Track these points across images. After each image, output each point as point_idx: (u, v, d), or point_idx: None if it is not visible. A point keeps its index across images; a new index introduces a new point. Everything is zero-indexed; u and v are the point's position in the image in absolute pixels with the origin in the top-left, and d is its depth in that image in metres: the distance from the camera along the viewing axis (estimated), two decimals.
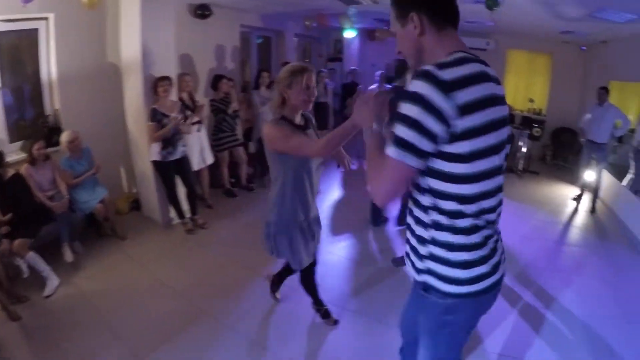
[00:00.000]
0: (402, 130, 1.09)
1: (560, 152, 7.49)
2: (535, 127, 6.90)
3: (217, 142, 5.23)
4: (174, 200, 4.42)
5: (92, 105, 4.40)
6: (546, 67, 8.15)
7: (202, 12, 5.37)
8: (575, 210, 5.40)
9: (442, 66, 1.07)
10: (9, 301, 2.96)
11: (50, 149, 3.75)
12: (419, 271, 1.31)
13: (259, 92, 5.57)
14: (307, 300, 2.83)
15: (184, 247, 4.12)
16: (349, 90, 7.40)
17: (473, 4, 5.29)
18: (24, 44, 3.88)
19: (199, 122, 4.72)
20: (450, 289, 1.23)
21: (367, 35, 8.87)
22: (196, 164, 4.76)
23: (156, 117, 3.99)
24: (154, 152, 4.13)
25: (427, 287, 1.30)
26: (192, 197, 4.49)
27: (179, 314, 2.97)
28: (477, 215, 1.18)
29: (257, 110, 5.55)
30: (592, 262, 4.00)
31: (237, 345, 2.66)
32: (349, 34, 7.81)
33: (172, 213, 4.55)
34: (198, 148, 4.79)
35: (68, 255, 3.60)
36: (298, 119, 2.14)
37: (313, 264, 2.53)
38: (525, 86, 8.39)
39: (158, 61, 4.19)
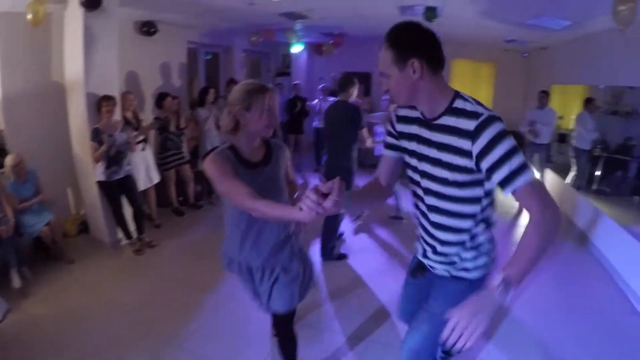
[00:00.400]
0: (519, 157, 1.24)
1: None
2: None
3: (162, 161, 5.23)
4: (120, 221, 4.38)
5: (37, 126, 4.30)
6: (490, 75, 8.85)
7: (147, 29, 5.40)
8: (520, 210, 5.77)
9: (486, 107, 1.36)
10: None
11: None
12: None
13: (204, 109, 5.62)
14: (261, 317, 2.69)
15: (133, 267, 4.10)
16: (291, 104, 7.63)
17: (413, 17, 5.74)
18: None
19: (143, 140, 4.73)
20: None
21: (314, 49, 9.14)
22: (142, 183, 4.75)
23: (98, 136, 3.97)
24: (99, 172, 4.11)
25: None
26: (138, 216, 4.45)
27: (127, 336, 2.96)
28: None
29: (203, 128, 5.59)
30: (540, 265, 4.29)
31: None
32: (296, 48, 8.04)
33: (120, 234, 4.51)
34: (144, 167, 4.79)
35: (16, 282, 3.46)
36: (253, 149, 1.82)
37: (284, 316, 2.05)
38: (470, 93, 8.92)
39: (101, 80, 4.15)
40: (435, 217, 1.50)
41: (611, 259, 4.04)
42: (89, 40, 4.01)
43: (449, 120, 1.35)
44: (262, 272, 1.95)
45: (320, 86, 7.53)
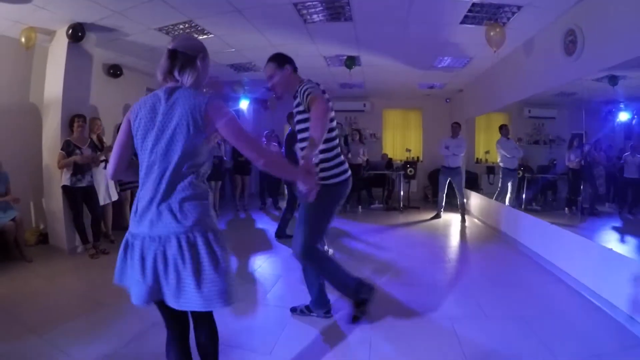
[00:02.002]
0: None
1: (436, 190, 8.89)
2: (408, 167, 8.38)
3: (120, 182, 5.61)
4: (79, 226, 4.66)
5: (11, 141, 4.75)
6: (418, 121, 10.16)
7: (114, 71, 6.14)
8: (455, 228, 6.53)
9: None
10: None
11: None
12: None
13: None
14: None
15: (86, 266, 4.29)
16: (236, 151, 8.22)
17: (337, 67, 6.91)
18: None
19: (105, 161, 5.18)
20: None
21: (260, 104, 10.00)
22: (102, 199, 5.08)
23: (69, 147, 4.45)
24: (65, 177, 4.50)
25: None
26: (96, 224, 4.76)
27: (73, 310, 3.09)
28: None
29: None
30: (476, 261, 4.71)
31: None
32: (243, 103, 8.90)
33: (77, 241, 4.76)
34: (104, 184, 5.16)
35: None
36: None
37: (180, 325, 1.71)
38: (402, 139, 10.24)
39: (75, 102, 4.79)
40: None
41: (534, 247, 4.67)
42: (69, 67, 4.71)
43: None
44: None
45: (265, 132, 8.31)
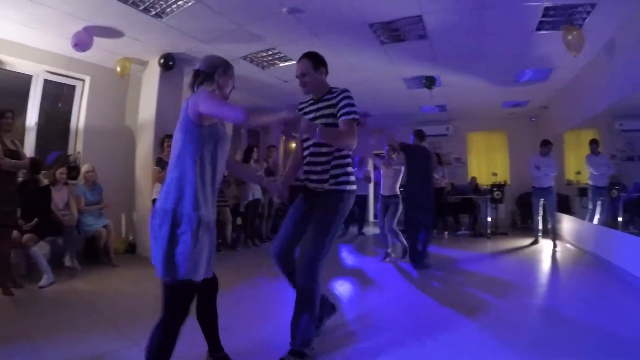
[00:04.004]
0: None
1: (528, 214, 7.97)
2: (495, 190, 7.69)
3: None
4: None
5: (108, 159, 5.30)
6: (503, 143, 9.49)
7: None
8: (546, 254, 5.81)
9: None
10: (7, 279, 3.43)
11: (69, 181, 4.54)
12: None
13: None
14: None
15: None
16: None
17: (417, 90, 6.72)
18: (62, 95, 5.09)
19: None
20: None
21: None
22: None
23: (160, 164, 4.85)
24: (155, 192, 4.87)
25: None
26: None
27: (155, 308, 3.23)
28: None
29: (248, 185, 6.28)
30: (571, 286, 4.28)
31: None
32: None
33: None
34: None
35: (68, 261, 4.08)
36: None
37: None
38: (487, 162, 9.59)
39: (167, 124, 5.22)
40: None
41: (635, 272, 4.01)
42: (162, 93, 5.24)
43: None
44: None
45: (357, 157, 8.22)
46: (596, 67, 5.20)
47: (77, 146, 5.08)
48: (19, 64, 4.57)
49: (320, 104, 2.36)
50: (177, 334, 1.76)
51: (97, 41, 4.45)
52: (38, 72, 4.75)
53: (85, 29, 4.18)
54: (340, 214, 2.30)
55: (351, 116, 2.22)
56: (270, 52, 5.22)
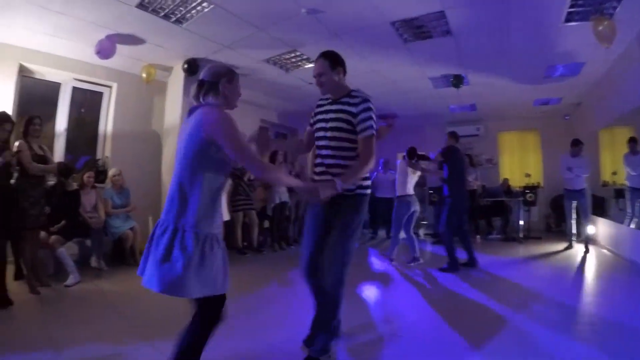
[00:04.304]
0: None
1: (562, 217, 7.41)
2: (528, 192, 7.33)
3: (233, 203, 5.98)
4: None
5: (135, 161, 5.46)
6: (536, 142, 9.04)
7: None
8: (580, 260, 5.48)
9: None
10: (34, 278, 3.56)
11: (97, 184, 4.68)
12: None
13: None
14: None
15: None
16: None
17: (444, 89, 6.53)
18: (90, 102, 5.31)
19: None
20: None
21: None
22: None
23: None
24: None
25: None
26: None
27: (175, 310, 3.26)
28: None
29: (275, 187, 6.29)
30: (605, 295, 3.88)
31: None
32: None
33: None
34: None
35: (94, 261, 4.22)
36: None
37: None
38: (520, 163, 9.18)
39: None
40: None
41: None
42: (186, 98, 5.29)
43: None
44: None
45: (382, 160, 8.12)
46: (630, 59, 4.90)
47: (105, 151, 5.25)
48: (48, 73, 4.79)
49: (338, 106, 2.33)
50: (205, 339, 1.76)
51: (123, 49, 4.61)
52: (66, 80, 4.96)
53: (108, 37, 4.32)
54: (362, 217, 2.39)
55: (369, 132, 2.24)
56: (293, 55, 5.21)
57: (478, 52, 5.11)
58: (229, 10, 3.95)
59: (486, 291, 3.84)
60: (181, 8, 3.90)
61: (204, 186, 1.68)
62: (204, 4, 3.84)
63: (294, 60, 5.40)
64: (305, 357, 2.25)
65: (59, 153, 4.84)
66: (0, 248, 3.17)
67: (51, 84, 4.94)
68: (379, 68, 5.72)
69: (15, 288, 3.54)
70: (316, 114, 2.49)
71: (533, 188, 7.52)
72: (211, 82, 1.79)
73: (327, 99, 2.46)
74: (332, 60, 2.33)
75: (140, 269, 1.73)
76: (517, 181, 8.65)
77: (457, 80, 5.96)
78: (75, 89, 5.11)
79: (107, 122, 5.31)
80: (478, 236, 7.30)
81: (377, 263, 5.37)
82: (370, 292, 3.90)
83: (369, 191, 2.41)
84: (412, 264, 4.96)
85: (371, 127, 2.23)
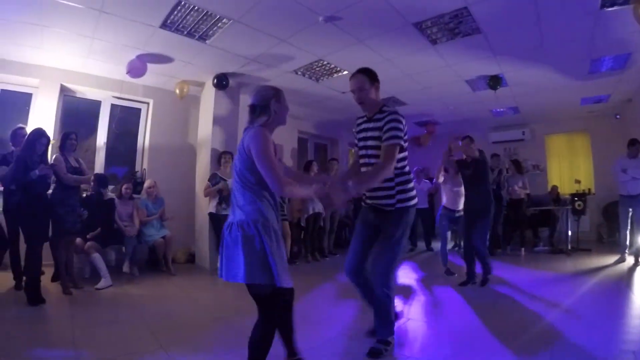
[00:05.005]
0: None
1: (615, 227, 6.75)
2: (576, 200, 6.71)
3: None
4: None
5: (171, 174, 5.74)
6: (586, 145, 8.32)
7: None
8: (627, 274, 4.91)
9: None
10: (68, 280, 3.83)
11: (134, 195, 4.99)
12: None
13: None
14: None
15: (223, 288, 4.46)
16: None
17: (483, 91, 6.18)
18: (129, 117, 5.72)
19: None
20: None
21: (413, 141, 9.77)
22: None
23: (215, 179, 5.09)
24: (211, 205, 5.12)
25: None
26: None
27: (198, 319, 3.35)
28: None
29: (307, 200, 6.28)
30: None
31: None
32: None
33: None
34: None
35: (126, 267, 4.47)
36: None
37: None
38: (569, 168, 8.51)
39: (224, 141, 5.53)
40: None
41: None
42: (217, 112, 5.54)
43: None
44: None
45: (415, 169, 7.89)
46: None
47: (143, 163, 5.58)
48: (88, 92, 5.22)
49: (373, 124, 2.50)
50: (272, 332, 1.96)
51: (156, 67, 4.89)
52: (105, 98, 5.39)
53: (138, 57, 4.62)
54: (408, 228, 2.56)
55: (393, 141, 2.35)
56: (320, 64, 5.23)
57: (512, 48, 4.78)
58: (248, 24, 4.06)
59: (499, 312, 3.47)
60: (202, 26, 4.08)
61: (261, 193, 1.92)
62: (224, 20, 3.98)
63: (322, 69, 5.42)
64: (369, 348, 2.50)
65: (99, 165, 5.25)
66: (36, 252, 3.43)
67: (92, 101, 5.38)
68: (411, 72, 5.57)
69: (51, 288, 3.87)
70: (358, 132, 2.67)
71: (582, 195, 6.86)
72: (262, 106, 1.95)
73: (363, 117, 2.62)
74: (371, 76, 2.50)
75: None
76: (566, 188, 8.02)
77: (495, 82, 5.66)
78: (114, 105, 5.52)
79: (145, 136, 5.66)
80: (523, 248, 6.71)
81: (411, 277, 5.08)
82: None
83: (413, 202, 2.55)
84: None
85: (394, 136, 2.34)
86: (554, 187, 7.64)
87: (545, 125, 8.48)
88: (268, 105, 1.95)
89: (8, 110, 4.87)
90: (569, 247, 6.54)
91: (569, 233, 6.64)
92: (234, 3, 3.71)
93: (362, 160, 2.62)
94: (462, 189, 4.75)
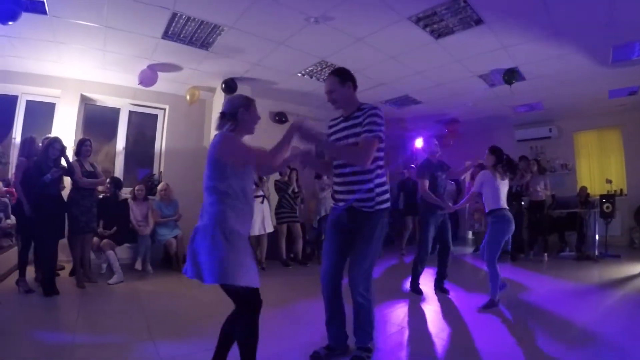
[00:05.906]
0: None
1: None
2: (605, 202, 6.27)
3: (278, 216, 6.11)
4: None
5: (187, 177, 5.96)
6: (618, 142, 7.73)
7: (279, 117, 7.02)
8: None
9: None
10: (82, 274, 4.15)
11: (150, 197, 5.32)
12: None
13: (321, 181, 6.45)
14: None
15: None
16: (406, 193, 7.53)
17: (501, 86, 5.84)
18: (146, 123, 6.10)
19: (262, 196, 5.83)
20: None
21: (438, 140, 9.46)
22: (257, 230, 5.61)
23: None
24: None
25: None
26: None
27: (195, 317, 3.42)
28: None
29: (318, 196, 6.40)
30: None
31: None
32: (418, 142, 8.63)
33: None
34: (260, 217, 5.68)
35: (138, 264, 4.77)
36: None
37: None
38: (600, 167, 7.95)
39: None
40: None
41: None
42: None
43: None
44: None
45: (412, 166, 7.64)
46: None
47: (160, 166, 5.93)
48: (107, 100, 5.64)
49: (349, 122, 2.45)
50: (256, 322, 2.06)
51: (169, 75, 5.19)
52: (124, 105, 5.79)
53: (149, 66, 4.95)
54: (384, 229, 2.50)
55: (372, 134, 2.30)
56: (323, 65, 5.27)
57: (523, 37, 4.42)
58: (243, 29, 4.23)
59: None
60: (201, 34, 4.29)
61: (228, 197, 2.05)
62: (221, 27, 4.17)
63: (326, 70, 5.43)
64: (351, 357, 2.45)
65: (118, 168, 5.65)
66: (51, 247, 3.77)
67: (111, 109, 5.81)
68: (419, 69, 5.41)
69: (67, 282, 4.20)
70: (331, 134, 2.58)
71: (611, 197, 6.38)
72: (231, 114, 2.04)
73: (337, 118, 2.57)
74: (341, 76, 2.46)
75: None
76: (596, 189, 7.47)
77: (510, 76, 5.35)
78: (132, 112, 5.93)
79: (162, 141, 6.03)
80: (545, 254, 6.28)
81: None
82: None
83: (388, 204, 2.49)
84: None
85: (372, 130, 2.30)
86: (583, 188, 7.11)
87: (573, 122, 7.95)
88: (236, 114, 2.03)
89: (36, 118, 5.38)
90: (596, 253, 6.14)
91: (596, 237, 6.22)
92: (224, 11, 3.89)
93: (336, 162, 2.51)
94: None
